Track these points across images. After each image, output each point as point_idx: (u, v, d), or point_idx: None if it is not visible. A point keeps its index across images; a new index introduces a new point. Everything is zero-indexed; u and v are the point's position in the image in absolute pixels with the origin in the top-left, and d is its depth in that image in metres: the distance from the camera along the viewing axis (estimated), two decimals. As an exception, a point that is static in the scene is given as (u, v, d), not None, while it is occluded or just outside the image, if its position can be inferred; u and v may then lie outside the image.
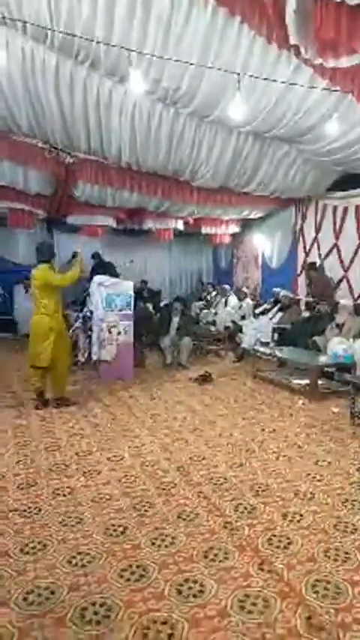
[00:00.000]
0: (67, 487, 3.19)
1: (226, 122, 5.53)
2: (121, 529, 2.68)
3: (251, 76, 4.47)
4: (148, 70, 4.56)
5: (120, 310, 6.32)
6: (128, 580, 2.23)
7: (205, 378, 6.22)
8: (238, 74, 4.26)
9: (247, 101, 4.43)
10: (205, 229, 10.18)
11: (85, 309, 6.85)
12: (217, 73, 4.55)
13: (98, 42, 4.20)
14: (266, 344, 6.99)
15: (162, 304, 9.94)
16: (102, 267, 8.76)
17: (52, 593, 2.14)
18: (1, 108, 5.38)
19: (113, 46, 4.19)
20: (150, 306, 9.30)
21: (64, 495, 3.07)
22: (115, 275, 7.90)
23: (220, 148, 6.23)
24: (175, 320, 7.43)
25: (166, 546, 2.51)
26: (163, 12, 4.00)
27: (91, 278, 7.28)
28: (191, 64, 4.37)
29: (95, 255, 9.62)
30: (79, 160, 6.95)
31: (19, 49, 4.57)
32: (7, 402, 5.18)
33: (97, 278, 6.53)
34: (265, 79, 4.45)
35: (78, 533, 2.63)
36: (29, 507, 2.90)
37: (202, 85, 4.77)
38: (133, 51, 4.21)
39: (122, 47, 4.16)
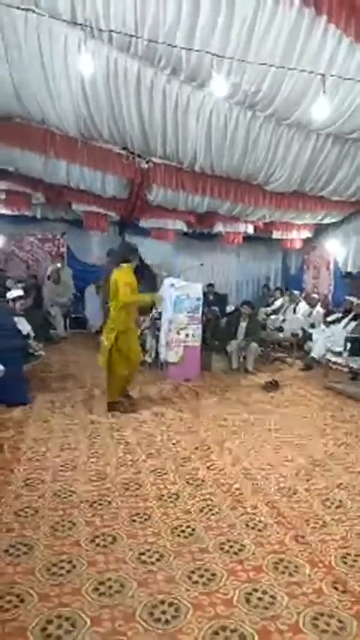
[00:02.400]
0: (136, 483, 3.24)
1: (304, 124, 5.40)
2: (189, 530, 2.67)
3: (335, 76, 4.35)
4: (229, 74, 4.56)
5: (188, 313, 6.36)
6: (196, 583, 2.22)
7: (272, 385, 6.09)
8: (323, 75, 4.15)
9: (330, 102, 4.31)
10: (276, 234, 9.98)
11: (154, 311, 6.95)
12: (299, 75, 4.46)
13: (182, 48, 4.24)
14: (338, 354, 6.71)
15: (228, 308, 9.88)
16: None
17: (122, 586, 2.18)
18: (84, 116, 5.62)
19: (197, 50, 4.23)
20: (216, 310, 9.27)
21: (133, 491, 3.13)
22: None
23: (297, 151, 6.09)
24: (243, 324, 7.34)
25: (234, 553, 2.47)
26: (247, 13, 3.99)
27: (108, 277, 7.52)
28: (272, 66, 4.33)
29: (110, 253, 8.48)
30: (154, 165, 7.09)
31: (104, 59, 4.76)
32: (81, 397, 5.37)
33: (169, 280, 6.61)
34: (350, 79, 4.30)
35: (147, 530, 2.66)
36: (100, 500, 2.98)
37: (283, 87, 4.70)
38: (215, 55, 4.25)
39: (206, 52, 4.18)
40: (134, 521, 2.75)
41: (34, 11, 4.07)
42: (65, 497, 2.98)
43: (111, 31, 4.32)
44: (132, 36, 4.27)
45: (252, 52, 4.34)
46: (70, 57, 4.80)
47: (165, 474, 3.42)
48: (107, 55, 4.72)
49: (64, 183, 7.16)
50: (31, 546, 2.44)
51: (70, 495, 3.01)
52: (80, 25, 4.33)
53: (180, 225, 9.51)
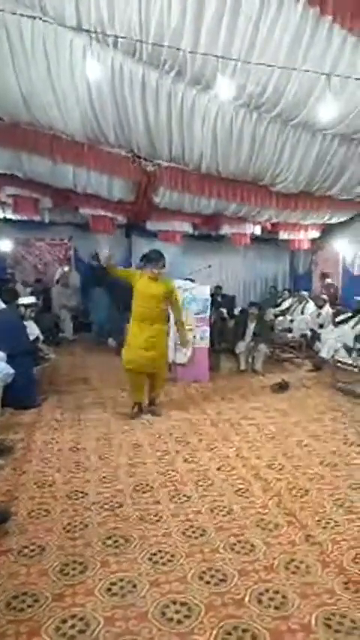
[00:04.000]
0: (146, 485, 3.26)
1: (311, 124, 5.40)
2: (200, 531, 2.68)
3: (340, 76, 4.35)
4: (234, 76, 4.58)
5: (196, 314, 6.37)
6: (208, 583, 2.23)
7: (281, 386, 6.08)
8: (328, 75, 4.16)
9: (336, 102, 4.31)
10: (283, 234, 9.97)
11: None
12: (303, 75, 4.47)
13: (189, 52, 4.27)
14: (348, 353, 6.68)
15: (236, 310, 9.87)
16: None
17: (134, 587, 2.19)
18: (90, 120, 5.66)
19: (202, 54, 4.25)
20: (224, 312, 9.28)
21: (144, 492, 3.14)
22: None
23: (303, 152, 6.09)
24: (251, 326, 7.34)
25: (245, 554, 2.47)
26: (252, 14, 4.01)
27: (95, 282, 7.59)
28: (276, 66, 4.34)
29: (95, 257, 8.50)
30: (160, 168, 7.12)
31: (109, 63, 4.79)
32: (90, 399, 5.40)
33: (175, 282, 6.61)
34: (358, 79, 4.29)
35: (158, 531, 2.68)
36: (111, 501, 3.00)
37: (288, 88, 4.70)
38: (220, 57, 4.27)
39: (214, 55, 4.21)
40: (145, 522, 2.76)
41: (41, 18, 4.11)
42: (77, 499, 3.00)
43: (116, 36, 4.36)
44: (137, 40, 4.30)
45: (256, 52, 4.36)
46: (76, 62, 4.84)
47: (175, 475, 3.44)
48: (112, 60, 4.75)
49: (71, 187, 7.21)
50: (44, 547, 2.47)
51: (82, 497, 3.03)
52: (86, 30, 4.38)
53: (186, 227, 9.54)
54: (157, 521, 2.78)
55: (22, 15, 4.20)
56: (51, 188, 7.49)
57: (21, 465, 3.47)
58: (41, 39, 4.61)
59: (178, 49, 4.31)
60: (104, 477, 3.35)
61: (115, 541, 2.57)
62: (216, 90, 4.94)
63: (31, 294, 7.51)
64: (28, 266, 10.27)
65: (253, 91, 4.94)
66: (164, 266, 4.77)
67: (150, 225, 9.39)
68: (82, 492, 3.09)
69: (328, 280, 10.10)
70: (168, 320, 5.09)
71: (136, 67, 4.87)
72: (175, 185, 7.35)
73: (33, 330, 5.37)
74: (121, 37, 4.30)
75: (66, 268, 9.61)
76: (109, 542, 2.55)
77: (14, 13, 4.05)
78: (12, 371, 4.09)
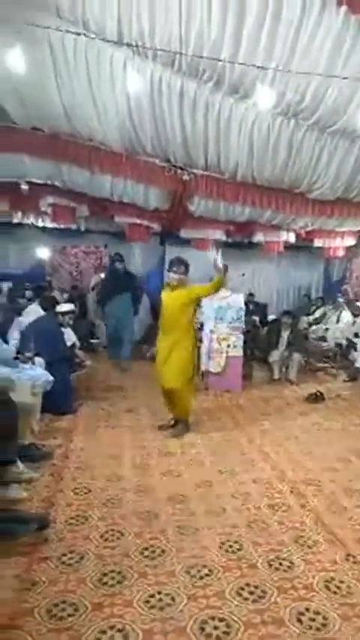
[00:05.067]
0: (181, 495, 3.25)
1: (350, 131, 5.32)
2: (236, 545, 2.65)
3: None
4: (273, 84, 4.57)
5: (230, 323, 6.35)
6: (247, 599, 2.20)
7: (316, 397, 5.96)
8: (369, 81, 4.10)
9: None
10: (318, 242, 9.82)
11: (196, 321, 6.97)
12: (343, 82, 4.41)
13: (229, 62, 4.29)
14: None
15: (269, 318, 9.78)
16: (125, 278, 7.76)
17: (173, 600, 2.18)
18: (128, 131, 5.76)
19: (241, 64, 4.26)
20: (257, 320, 9.20)
21: (179, 503, 3.14)
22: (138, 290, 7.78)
23: (341, 158, 5.99)
24: (284, 334, 7.25)
25: (284, 570, 2.43)
26: (292, 21, 3.99)
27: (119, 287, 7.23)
28: (315, 74, 4.31)
29: (117, 259, 7.91)
30: (195, 176, 7.15)
31: (148, 75, 4.86)
32: (125, 406, 5.45)
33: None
34: None
35: (194, 543, 2.66)
36: (147, 511, 3.01)
37: (328, 95, 4.65)
38: (260, 67, 4.27)
39: (253, 65, 4.21)
40: (182, 534, 2.75)
41: (85, 35, 4.22)
42: (114, 507, 3.03)
43: (156, 49, 4.43)
44: (177, 53, 4.35)
45: (296, 59, 4.34)
46: (116, 75, 4.94)
47: (210, 487, 3.41)
48: (152, 72, 4.82)
49: (108, 196, 7.34)
50: (82, 555, 2.50)
51: (119, 505, 3.05)
52: (127, 44, 4.46)
53: (220, 235, 9.53)
54: (194, 533, 2.77)
55: (66, 31, 4.33)
56: (88, 197, 7.65)
57: (59, 471, 3.53)
58: (83, 53, 4.73)
59: (218, 60, 4.33)
60: (140, 486, 3.36)
61: (152, 551, 2.57)
62: (254, 98, 4.94)
63: (68, 300, 7.66)
64: (65, 273, 10.51)
65: (292, 98, 4.91)
66: (184, 272, 4.51)
67: (184, 233, 9.43)
68: (118, 500, 3.11)
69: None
70: (196, 335, 4.82)
71: (175, 78, 4.93)
72: (210, 193, 7.36)
73: (70, 336, 5.48)
74: (162, 50, 4.36)
75: (101, 275, 9.76)
76: (147, 552, 2.56)
77: (59, 30, 4.17)
78: (51, 378, 4.18)
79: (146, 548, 2.59)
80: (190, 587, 2.28)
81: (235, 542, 2.69)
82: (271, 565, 2.48)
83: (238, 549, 2.61)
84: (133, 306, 7.67)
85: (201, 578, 2.35)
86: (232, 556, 2.55)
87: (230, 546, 2.64)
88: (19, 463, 3.09)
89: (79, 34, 4.28)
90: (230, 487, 3.41)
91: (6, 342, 4.24)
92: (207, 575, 2.38)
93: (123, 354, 7.45)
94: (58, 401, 4.55)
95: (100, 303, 8.16)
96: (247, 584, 2.31)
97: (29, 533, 2.57)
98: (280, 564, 2.49)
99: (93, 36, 4.45)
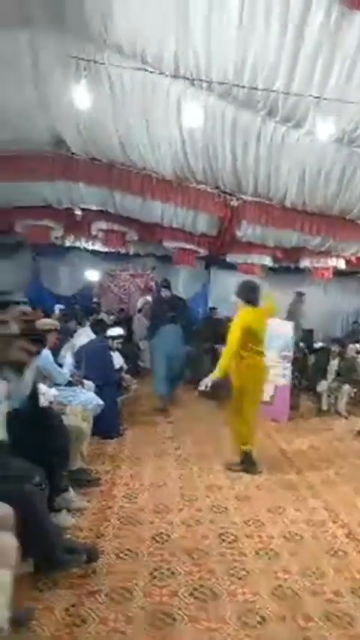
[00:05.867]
0: (231, 534, 3.14)
1: None
2: (290, 592, 2.51)
3: None
4: (327, 113, 4.54)
5: (280, 351, 6.21)
6: (304, 656, 2.06)
7: (368, 432, 5.70)
8: None
9: None
10: (369, 268, 9.56)
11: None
12: None
13: (283, 92, 4.31)
14: None
15: (315, 345, 9.51)
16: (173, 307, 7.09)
17: (225, 650, 2.08)
18: (180, 161, 5.88)
19: (296, 95, 4.27)
20: (304, 347, 8.96)
21: (229, 542, 3.03)
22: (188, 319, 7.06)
23: None
24: (333, 363, 7.02)
25: (343, 627, 2.27)
26: (348, 51, 3.98)
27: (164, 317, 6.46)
28: None
29: (165, 285, 7.56)
30: (243, 202, 7.18)
31: (202, 106, 4.95)
32: (170, 432, 5.40)
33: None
34: None
35: (246, 587, 2.54)
36: (197, 549, 2.91)
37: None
38: (315, 97, 4.26)
39: (308, 95, 4.21)
40: (232, 576, 2.64)
41: (145, 70, 4.36)
42: (161, 542, 2.95)
43: (212, 82, 4.52)
44: (233, 85, 4.42)
45: (353, 88, 4.30)
46: (171, 106, 5.08)
47: (260, 525, 3.28)
48: (205, 102, 4.92)
49: (158, 221, 7.48)
50: (131, 592, 2.43)
51: (167, 541, 2.97)
52: (183, 77, 4.58)
53: (266, 260, 9.46)
54: (245, 576, 2.65)
55: (124, 67, 4.50)
56: (138, 222, 7.83)
57: (106, 499, 3.50)
58: (140, 86, 4.90)
59: (273, 91, 4.36)
60: (187, 521, 3.27)
61: (202, 592, 2.47)
62: (307, 127, 4.93)
63: (115, 323, 7.76)
64: (112, 296, 10.72)
65: (346, 126, 4.87)
66: (238, 297, 4.33)
67: (230, 258, 9.44)
68: (166, 535, 3.03)
69: None
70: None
71: (229, 108, 5.00)
72: (258, 219, 7.36)
73: (118, 360, 5.53)
74: (218, 83, 4.43)
75: (148, 297, 9.88)
76: (197, 594, 2.46)
77: (120, 66, 4.33)
78: (102, 402, 4.21)
79: (196, 589, 2.50)
80: (243, 637, 2.16)
81: (289, 588, 2.55)
82: (328, 618, 2.32)
83: (292, 597, 2.47)
84: (183, 339, 6.69)
85: (254, 627, 2.23)
86: (286, 604, 2.41)
87: (284, 593, 2.51)
88: (70, 490, 3.09)
89: (138, 69, 4.43)
90: (281, 528, 3.26)
91: (60, 365, 4.31)
92: (259, 623, 2.26)
93: (170, 391, 6.54)
94: (105, 425, 4.56)
95: (147, 335, 7.34)
96: (305, 638, 2.17)
97: (78, 565, 2.54)
98: (339, 618, 2.32)
99: (150, 69, 4.61)
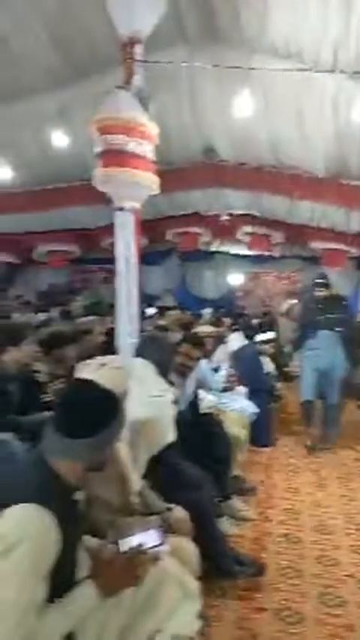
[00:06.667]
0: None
1: None
2: None
3: None
4: None
5: None
6: None
7: None
8: None
9: None
10: None
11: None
12: None
13: None
14: None
15: None
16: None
17: None
18: (334, 155, 5.56)
19: None
20: None
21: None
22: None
23: None
24: None
25: None
26: None
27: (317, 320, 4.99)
28: None
29: (321, 284, 5.34)
30: None
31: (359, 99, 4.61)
32: (324, 444, 5.13)
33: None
34: None
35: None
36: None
37: None
38: None
39: None
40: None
41: (303, 69, 4.22)
42: (328, 566, 2.78)
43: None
44: None
45: None
46: (326, 101, 4.83)
47: None
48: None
49: (306, 222, 7.20)
50: (302, 615, 2.34)
51: (334, 564, 2.80)
52: (340, 71, 4.31)
53: None
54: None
55: (276, 70, 4.40)
56: (284, 224, 7.63)
57: (265, 511, 3.44)
58: (294, 85, 4.75)
59: None
60: (356, 545, 3.04)
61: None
62: None
63: (259, 326, 7.62)
64: (256, 299, 10.64)
65: None
66: None
67: (387, 257, 8.65)
68: (333, 559, 2.86)
69: None
70: None
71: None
72: None
73: (268, 366, 5.43)
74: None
75: (294, 301, 9.55)
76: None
77: (275, 70, 4.25)
78: (257, 409, 4.18)
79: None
80: None
81: None
82: None
83: None
84: (345, 351, 5.06)
85: None
86: None
87: None
88: (235, 498, 3.11)
89: (291, 70, 4.31)
90: None
91: (215, 370, 4.37)
92: None
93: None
94: (258, 433, 4.52)
95: (295, 344, 5.77)
96: None
97: (245, 577, 2.52)
98: None
99: (306, 67, 4.43)
